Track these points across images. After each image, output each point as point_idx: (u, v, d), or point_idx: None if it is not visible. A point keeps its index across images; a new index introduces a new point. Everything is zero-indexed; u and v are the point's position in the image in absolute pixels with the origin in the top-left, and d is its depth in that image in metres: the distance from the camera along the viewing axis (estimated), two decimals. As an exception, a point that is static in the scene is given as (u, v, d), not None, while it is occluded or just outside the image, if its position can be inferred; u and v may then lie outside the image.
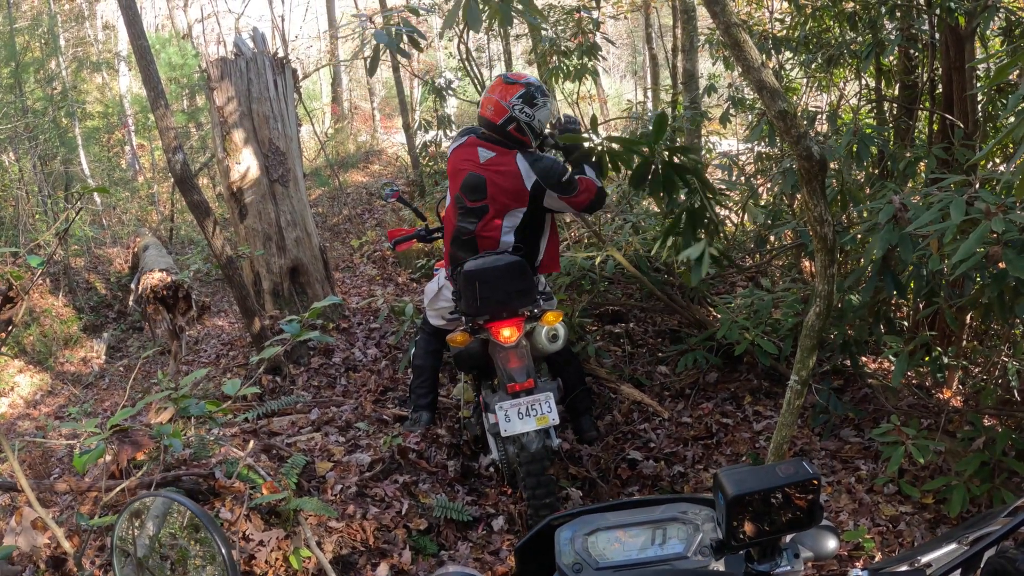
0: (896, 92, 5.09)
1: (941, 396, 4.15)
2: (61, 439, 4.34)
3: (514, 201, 3.62)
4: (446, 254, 3.82)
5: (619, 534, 1.14)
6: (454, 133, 8.79)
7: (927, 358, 3.64)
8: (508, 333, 3.38)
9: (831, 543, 1.18)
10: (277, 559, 2.89)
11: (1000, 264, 2.60)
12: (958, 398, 4.13)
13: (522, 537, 1.24)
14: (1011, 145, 4.03)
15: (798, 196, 5.24)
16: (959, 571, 1.04)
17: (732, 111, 5.61)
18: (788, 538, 1.16)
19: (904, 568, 1.06)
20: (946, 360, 3.74)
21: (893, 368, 3.42)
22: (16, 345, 7.74)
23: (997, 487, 3.05)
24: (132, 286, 6.81)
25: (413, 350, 4.23)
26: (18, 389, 7.14)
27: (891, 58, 4.98)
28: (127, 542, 0.98)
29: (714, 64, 6.44)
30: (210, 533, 0.88)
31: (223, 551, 0.88)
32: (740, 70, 2.38)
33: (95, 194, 11.74)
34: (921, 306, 4.07)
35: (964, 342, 4.23)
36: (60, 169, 11.30)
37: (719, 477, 0.98)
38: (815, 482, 0.96)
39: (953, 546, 1.13)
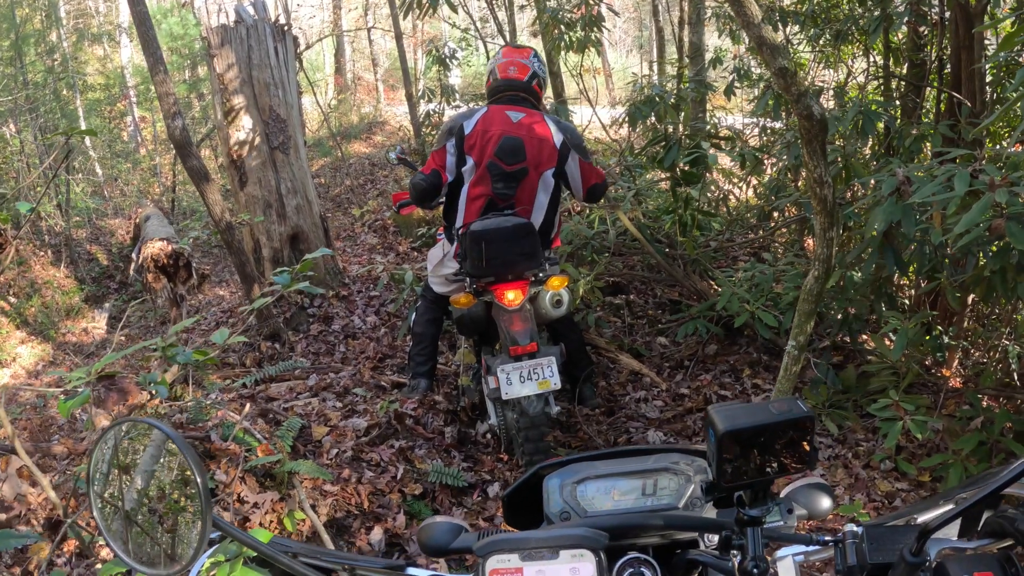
0: (904, 69, 5.04)
1: (940, 375, 4.14)
2: (57, 398, 4.35)
3: (547, 161, 3.62)
4: (465, 223, 3.67)
5: (608, 483, 1.13)
6: (457, 101, 8.75)
7: (928, 337, 3.62)
8: (512, 296, 3.34)
9: (825, 502, 1.16)
10: (272, 521, 2.89)
11: (1003, 239, 2.58)
12: (957, 379, 4.11)
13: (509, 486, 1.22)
14: (1016, 118, 4.00)
15: (802, 171, 5.22)
16: (957, 524, 1.02)
17: (737, 83, 5.55)
18: (783, 493, 1.14)
19: (900, 523, 1.04)
20: (946, 339, 3.72)
21: (893, 344, 3.41)
22: (18, 316, 7.76)
23: (993, 467, 3.04)
24: (133, 255, 6.82)
25: (413, 317, 4.19)
26: (20, 360, 7.16)
27: (899, 35, 4.92)
28: (100, 466, 0.96)
29: (721, 37, 6.38)
30: (184, 456, 0.86)
31: (197, 477, 0.86)
32: (740, 24, 2.34)
33: (96, 166, 11.74)
34: (922, 283, 4.05)
35: (965, 323, 4.21)
36: (61, 141, 11.26)
37: (710, 413, 0.95)
38: (809, 421, 0.93)
39: (950, 506, 1.11)
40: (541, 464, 1.20)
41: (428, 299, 4.04)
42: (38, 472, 1.92)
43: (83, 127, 11.98)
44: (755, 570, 0.93)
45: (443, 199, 3.87)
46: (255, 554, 1.05)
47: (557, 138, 3.64)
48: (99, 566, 2.27)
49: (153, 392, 1.96)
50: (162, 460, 0.94)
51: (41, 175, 10.20)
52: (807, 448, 0.94)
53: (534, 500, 1.19)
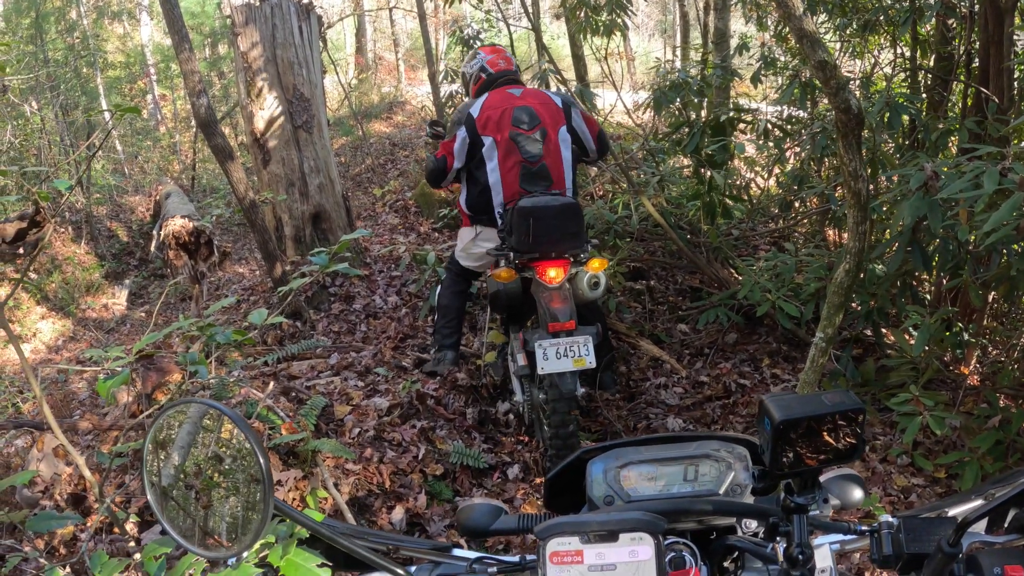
0: (931, 63, 4.99)
1: (959, 372, 4.13)
2: (83, 380, 4.40)
3: (558, 119, 3.83)
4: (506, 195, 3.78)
5: (651, 468, 1.14)
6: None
7: (948, 333, 3.61)
8: (554, 274, 3.39)
9: (857, 493, 1.18)
10: (294, 499, 2.93)
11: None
12: (975, 376, 4.10)
13: (549, 471, 1.24)
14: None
15: (825, 161, 5.20)
16: (985, 521, 1.04)
17: (763, 71, 5.52)
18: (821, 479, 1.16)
19: (932, 516, 1.06)
20: (966, 337, 3.71)
21: (914, 339, 3.40)
22: (38, 292, 7.83)
23: (1010, 466, 3.04)
24: (154, 232, 6.86)
25: (439, 290, 4.28)
26: (40, 335, 7.23)
27: (928, 27, 4.87)
28: (155, 448, 0.98)
29: (747, 23, 6.33)
30: (246, 435, 0.88)
31: (260, 459, 0.88)
32: (779, 16, 2.33)
33: (117, 144, 11.79)
34: (945, 280, 4.04)
35: (985, 320, 4.20)
36: (82, 120, 11.31)
37: (765, 403, 0.97)
38: (860, 413, 0.95)
39: (980, 501, 1.12)
40: (584, 449, 1.21)
41: (454, 272, 4.15)
42: (74, 451, 1.96)
43: (104, 105, 12.03)
44: (800, 556, 0.95)
45: (455, 181, 4.00)
46: (305, 535, 1.07)
47: (556, 99, 3.92)
48: (131, 544, 2.31)
49: (194, 372, 1.99)
50: (219, 441, 0.96)
51: (63, 152, 10.25)
52: (856, 439, 0.96)
53: (575, 484, 1.21)
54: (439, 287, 4.31)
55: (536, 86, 5.35)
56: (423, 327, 4.94)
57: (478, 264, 3.96)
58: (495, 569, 1.08)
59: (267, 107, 5.65)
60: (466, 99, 4.26)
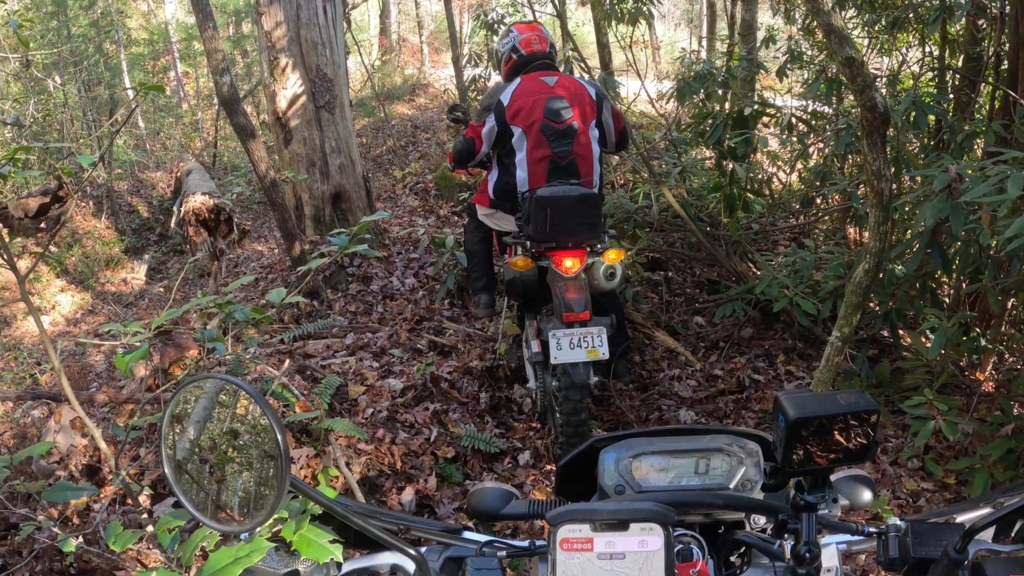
0: (960, 63, 4.93)
1: (974, 378, 4.10)
2: (100, 353, 4.46)
3: (590, 113, 3.79)
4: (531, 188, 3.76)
5: (663, 460, 1.15)
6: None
7: (965, 338, 3.59)
8: (570, 263, 3.39)
9: (866, 494, 1.18)
10: (306, 476, 2.96)
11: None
12: (990, 383, 4.07)
13: (561, 458, 1.25)
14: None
15: (849, 159, 5.16)
16: (992, 529, 1.04)
17: (789, 65, 5.47)
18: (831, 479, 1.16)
19: (940, 521, 1.06)
20: (983, 342, 3.68)
21: (931, 342, 3.38)
22: (59, 265, 7.89)
23: (1020, 475, 3.02)
24: (174, 209, 6.90)
25: (464, 238, 4.32)
26: (59, 308, 7.30)
27: (958, 27, 4.82)
28: (174, 423, 0.99)
29: (774, 16, 6.27)
30: (264, 412, 0.89)
31: (278, 435, 0.89)
32: (807, 10, 2.31)
33: (139, 120, 11.85)
34: (964, 284, 4.00)
35: (1003, 327, 4.16)
36: (105, 96, 11.35)
37: (780, 400, 0.97)
38: (874, 414, 0.95)
39: (989, 509, 1.12)
40: (596, 438, 1.22)
41: (476, 220, 4.16)
42: (90, 424, 1.98)
43: (126, 81, 12.08)
44: (808, 555, 0.96)
45: (486, 162, 3.99)
46: (318, 512, 1.09)
47: (591, 91, 3.84)
48: (144, 516, 2.34)
49: (211, 348, 2.01)
50: (235, 417, 0.97)
51: (85, 128, 10.30)
52: (868, 440, 0.96)
53: (587, 472, 1.21)
54: (465, 232, 4.33)
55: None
56: (439, 310, 4.95)
57: (494, 224, 3.99)
58: (505, 553, 1.09)
59: (290, 87, 5.66)
60: (492, 80, 4.22)
